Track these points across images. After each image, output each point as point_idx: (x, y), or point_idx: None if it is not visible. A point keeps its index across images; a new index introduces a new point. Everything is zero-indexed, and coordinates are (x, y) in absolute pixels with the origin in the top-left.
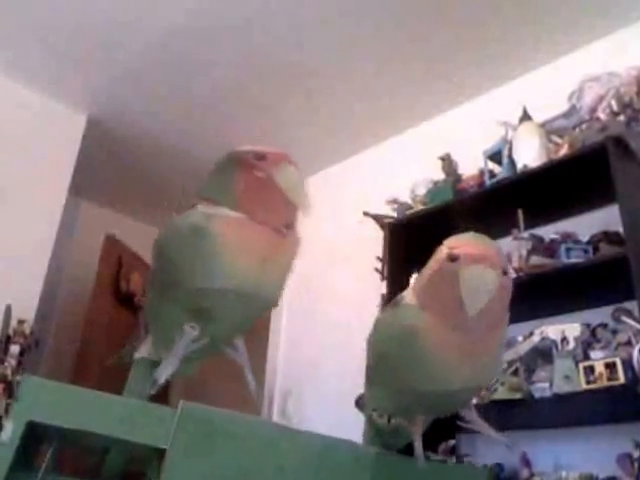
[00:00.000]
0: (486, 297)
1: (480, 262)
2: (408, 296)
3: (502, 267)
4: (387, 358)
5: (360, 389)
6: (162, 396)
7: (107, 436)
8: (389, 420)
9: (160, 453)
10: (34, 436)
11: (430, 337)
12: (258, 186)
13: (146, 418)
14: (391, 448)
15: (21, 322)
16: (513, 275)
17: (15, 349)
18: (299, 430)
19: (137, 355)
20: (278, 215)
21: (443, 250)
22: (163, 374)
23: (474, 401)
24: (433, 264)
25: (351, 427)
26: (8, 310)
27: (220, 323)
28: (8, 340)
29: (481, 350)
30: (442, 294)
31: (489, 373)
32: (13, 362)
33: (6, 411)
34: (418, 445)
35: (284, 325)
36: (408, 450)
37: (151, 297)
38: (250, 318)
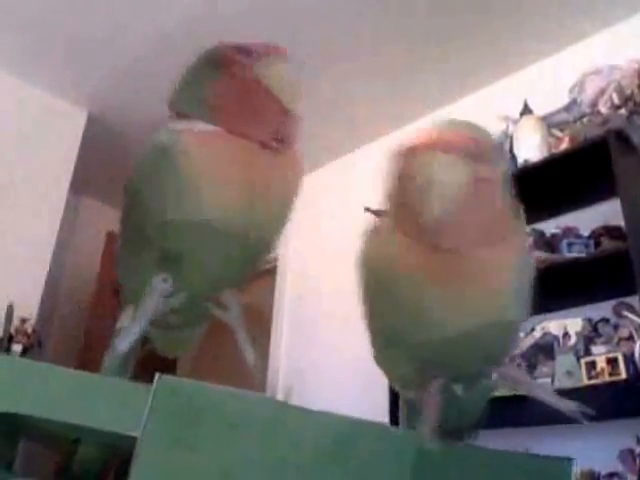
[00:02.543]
0: (445, 194)
1: (434, 149)
2: (385, 216)
3: (476, 153)
4: (371, 306)
5: (362, 385)
6: None
7: (53, 421)
8: None
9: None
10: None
11: (403, 265)
12: (240, 89)
13: (110, 397)
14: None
15: (23, 321)
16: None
17: (17, 348)
18: (314, 410)
19: (117, 325)
20: (266, 125)
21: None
22: (124, 340)
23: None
24: (391, 164)
25: None
26: (10, 309)
27: (197, 270)
28: (10, 339)
29: (479, 275)
30: (403, 201)
31: (508, 307)
32: None
33: None
34: (428, 418)
35: (286, 322)
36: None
37: (121, 248)
38: (238, 265)
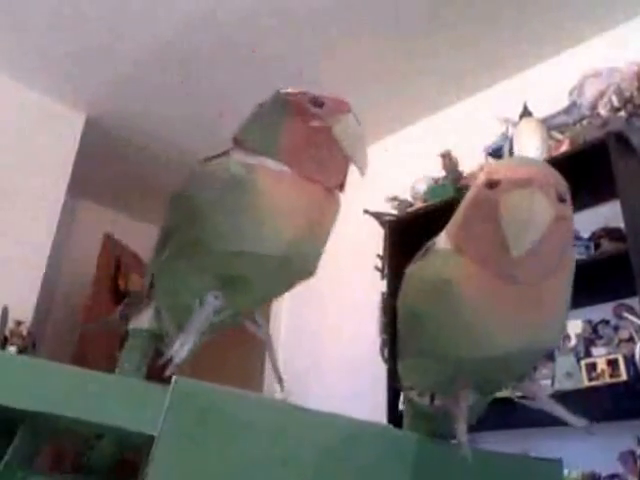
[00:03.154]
0: (536, 231)
1: (527, 186)
2: (441, 240)
3: (558, 192)
4: (418, 320)
5: (362, 387)
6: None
7: (76, 419)
8: (432, 400)
9: (151, 440)
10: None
11: (469, 289)
12: (311, 137)
13: (129, 397)
14: (441, 437)
15: (19, 323)
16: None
17: (12, 351)
18: (320, 412)
19: (132, 326)
20: (333, 173)
21: (480, 176)
22: (181, 351)
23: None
24: (469, 195)
25: None
26: (5, 311)
27: (251, 293)
28: (5, 341)
29: (537, 303)
30: (481, 232)
31: (551, 334)
32: None
33: None
34: (461, 429)
35: (284, 324)
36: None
37: (164, 258)
38: (285, 288)
